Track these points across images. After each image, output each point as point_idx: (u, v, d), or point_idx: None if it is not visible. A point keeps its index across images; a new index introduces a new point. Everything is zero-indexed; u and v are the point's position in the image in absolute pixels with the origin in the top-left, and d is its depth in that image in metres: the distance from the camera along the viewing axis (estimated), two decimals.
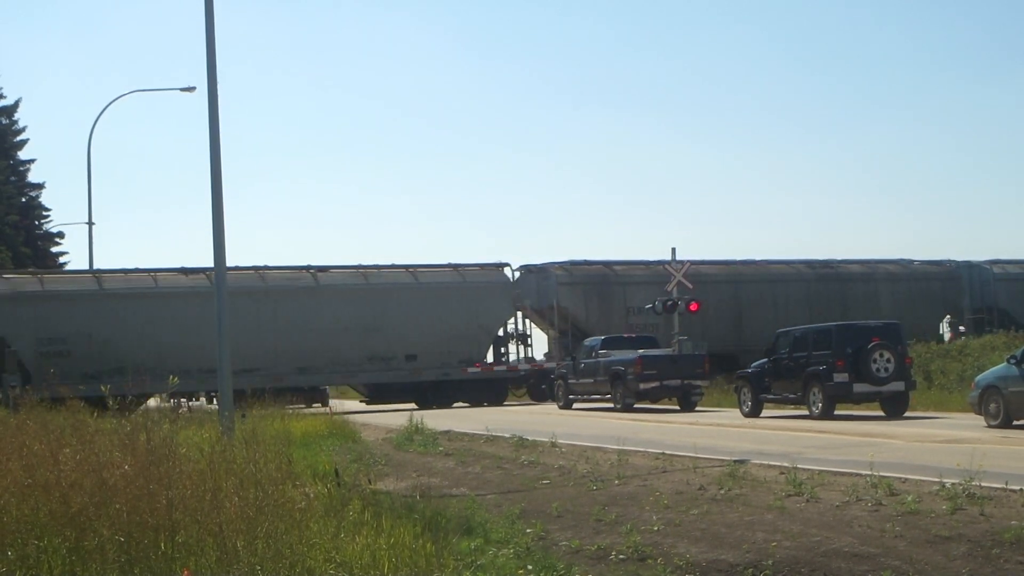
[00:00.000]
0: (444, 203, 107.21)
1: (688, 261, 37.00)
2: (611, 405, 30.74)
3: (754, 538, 9.73)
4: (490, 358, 39.29)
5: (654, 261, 40.77)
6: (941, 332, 45.34)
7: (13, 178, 50.48)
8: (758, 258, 44.30)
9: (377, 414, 33.74)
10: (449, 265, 39.63)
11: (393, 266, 38.92)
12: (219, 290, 18.36)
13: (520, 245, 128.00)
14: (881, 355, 24.56)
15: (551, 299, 40.21)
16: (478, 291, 38.72)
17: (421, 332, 37.58)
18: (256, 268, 37.29)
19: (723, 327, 40.94)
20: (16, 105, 51.55)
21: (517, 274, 40.83)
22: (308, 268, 37.90)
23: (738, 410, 27.40)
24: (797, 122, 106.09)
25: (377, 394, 39.01)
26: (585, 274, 41.21)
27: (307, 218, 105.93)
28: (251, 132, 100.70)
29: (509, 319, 40.24)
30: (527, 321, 41.27)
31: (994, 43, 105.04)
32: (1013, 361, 20.97)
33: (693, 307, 35.07)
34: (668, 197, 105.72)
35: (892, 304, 42.44)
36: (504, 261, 40.10)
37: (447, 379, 37.83)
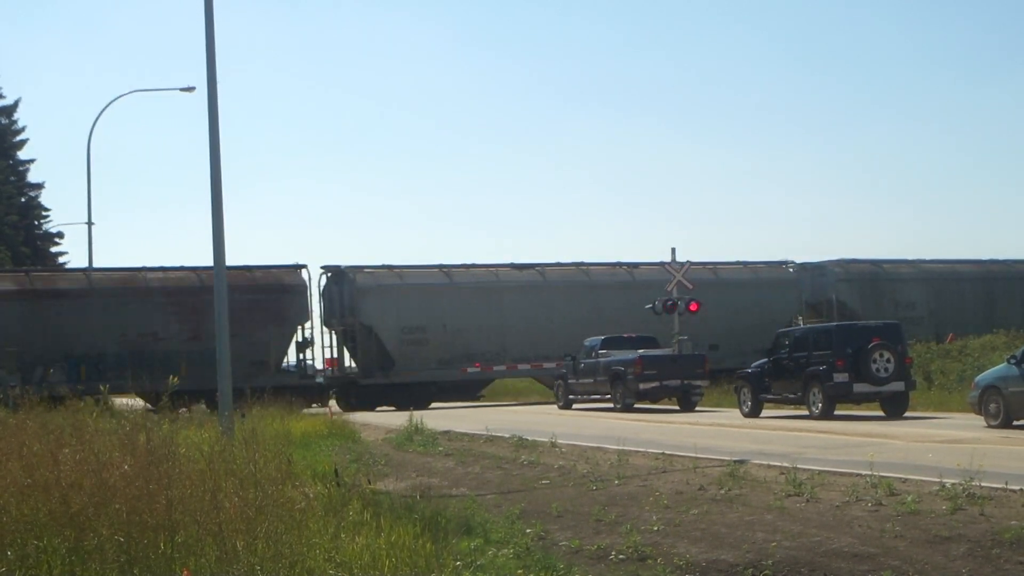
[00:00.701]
0: (444, 203, 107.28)
1: (688, 261, 37.04)
2: (611, 405, 30.74)
3: (754, 538, 9.73)
4: None
5: (926, 260, 44.63)
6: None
7: (13, 178, 50.52)
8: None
9: (377, 414, 33.72)
10: (739, 263, 42.80)
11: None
12: (219, 290, 18.36)
13: (520, 245, 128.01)
14: (881, 355, 24.56)
15: (828, 294, 42.41)
16: (767, 287, 41.76)
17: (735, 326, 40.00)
18: (577, 264, 40.80)
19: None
20: (16, 105, 51.62)
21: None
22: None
23: (738, 410, 27.39)
24: (797, 122, 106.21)
25: None
26: (859, 271, 43.52)
27: (307, 218, 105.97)
28: (251, 132, 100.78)
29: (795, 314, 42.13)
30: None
31: (995, 43, 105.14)
32: (1013, 361, 20.97)
33: (693, 307, 35.09)
34: (668, 197, 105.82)
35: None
36: (787, 259, 43.52)
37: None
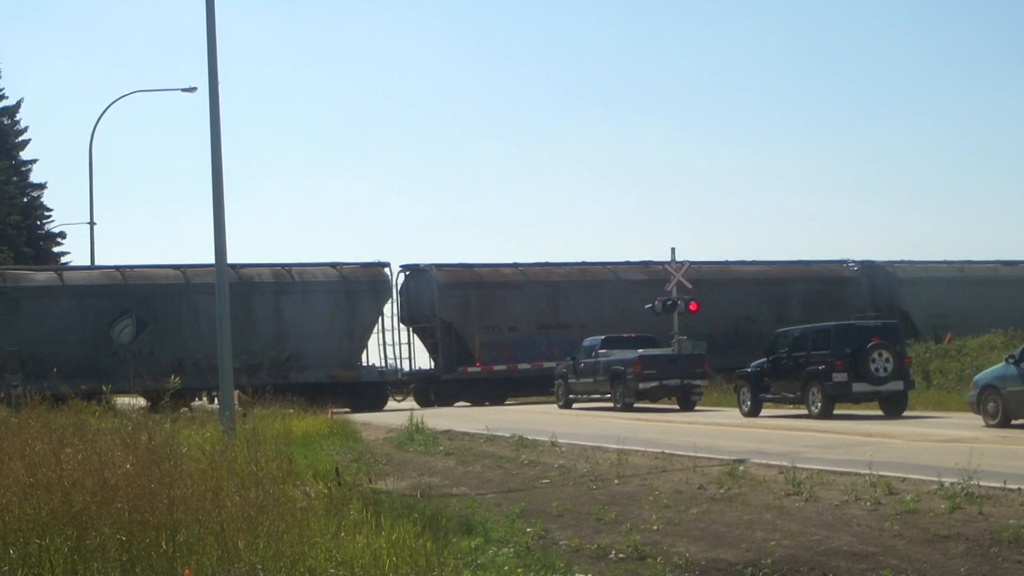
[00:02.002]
0: (443, 201, 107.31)
1: (688, 261, 37.08)
2: (611, 405, 30.76)
3: (753, 537, 9.76)
4: None
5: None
6: None
7: (15, 178, 50.49)
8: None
9: (379, 414, 33.74)
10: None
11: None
12: (220, 290, 18.39)
13: (520, 244, 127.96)
14: (880, 355, 24.58)
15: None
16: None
17: None
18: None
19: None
20: (18, 105, 51.56)
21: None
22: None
23: (737, 410, 27.41)
24: (799, 122, 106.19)
25: None
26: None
27: (307, 217, 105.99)
28: (252, 131, 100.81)
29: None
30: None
31: (997, 43, 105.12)
32: (1012, 361, 20.99)
33: (693, 307, 35.14)
34: (668, 197, 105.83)
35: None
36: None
37: None
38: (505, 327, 38.58)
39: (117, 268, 36.26)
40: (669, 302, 35.04)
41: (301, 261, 38.27)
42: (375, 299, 38.17)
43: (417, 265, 39.77)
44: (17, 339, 33.37)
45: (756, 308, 41.41)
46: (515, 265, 40.53)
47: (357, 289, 37.64)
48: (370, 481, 12.98)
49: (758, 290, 42.03)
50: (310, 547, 7.88)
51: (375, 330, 38.22)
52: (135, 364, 31.26)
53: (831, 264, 44.43)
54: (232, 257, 20.43)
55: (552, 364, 36.53)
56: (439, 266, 39.37)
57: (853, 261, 44.59)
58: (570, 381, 32.92)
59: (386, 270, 38.65)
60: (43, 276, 35.83)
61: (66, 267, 36.11)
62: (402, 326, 39.84)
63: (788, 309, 40.83)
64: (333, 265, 38.07)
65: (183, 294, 35.34)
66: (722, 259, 43.46)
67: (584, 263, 41.64)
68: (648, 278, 39.98)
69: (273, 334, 36.31)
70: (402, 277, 40.02)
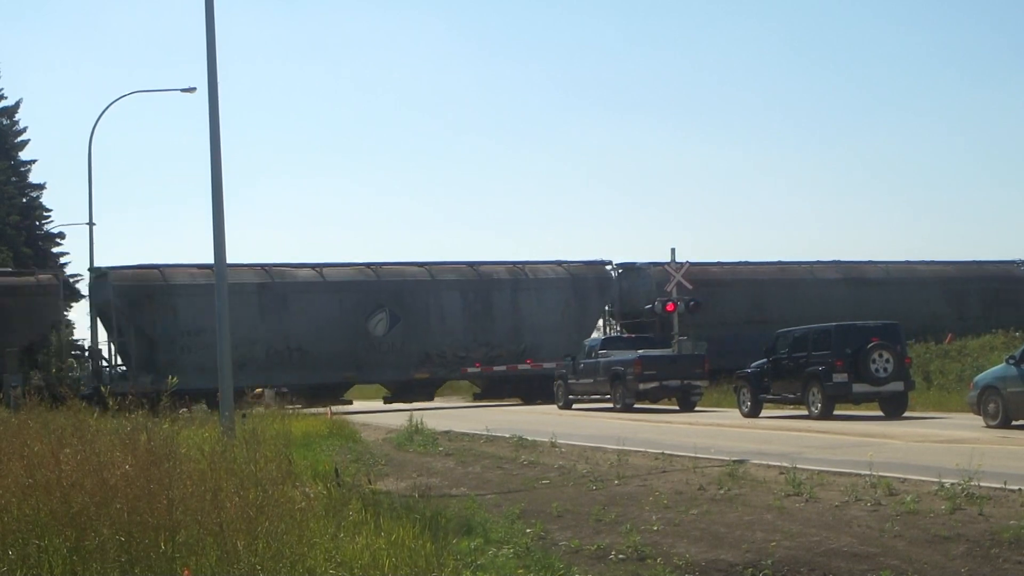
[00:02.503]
0: (443, 201, 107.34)
1: (687, 262, 37.11)
2: (611, 405, 30.76)
3: (753, 538, 9.75)
4: None
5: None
6: None
7: (14, 179, 50.54)
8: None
9: (381, 413, 33.74)
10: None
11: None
12: (220, 290, 18.37)
13: (520, 244, 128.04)
14: (880, 355, 24.57)
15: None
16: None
17: None
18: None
19: None
20: (17, 106, 51.64)
21: None
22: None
23: (737, 410, 27.42)
24: (799, 122, 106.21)
25: None
26: None
27: (307, 217, 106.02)
28: (251, 131, 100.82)
29: None
30: None
31: (998, 44, 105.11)
32: (1012, 361, 20.99)
33: (693, 307, 35.14)
34: (668, 197, 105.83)
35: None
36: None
37: None
38: (717, 322, 39.28)
39: (369, 265, 38.65)
40: (669, 302, 35.04)
41: (531, 260, 40.88)
42: (600, 295, 40.87)
43: (633, 263, 41.69)
44: (286, 332, 36.32)
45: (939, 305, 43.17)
46: (720, 264, 42.43)
47: (584, 286, 40.24)
48: (369, 482, 12.97)
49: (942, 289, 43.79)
50: (309, 548, 7.86)
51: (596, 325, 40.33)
52: (389, 355, 34.61)
53: (1004, 264, 45.88)
54: (231, 257, 20.38)
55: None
56: (656, 264, 40.64)
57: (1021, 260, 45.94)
58: (570, 382, 32.92)
59: (607, 268, 41.21)
60: (304, 273, 37.87)
61: (325, 264, 38.22)
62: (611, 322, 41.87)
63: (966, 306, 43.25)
64: (560, 263, 40.69)
65: (430, 290, 37.86)
66: (905, 259, 45.47)
67: (781, 262, 43.67)
68: (841, 276, 42.64)
69: (511, 327, 38.89)
70: (613, 275, 41.49)
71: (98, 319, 37.06)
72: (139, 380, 33.31)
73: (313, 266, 38.10)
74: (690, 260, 37.89)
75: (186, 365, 33.42)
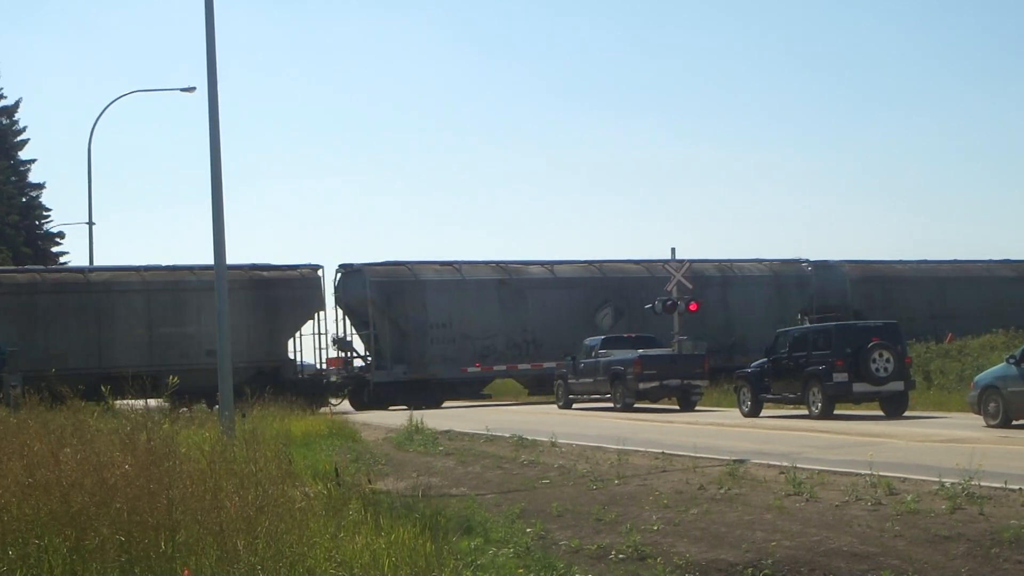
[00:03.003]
0: (443, 201, 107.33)
1: (688, 261, 37.13)
2: (611, 405, 30.75)
3: (754, 537, 9.74)
4: None
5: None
6: None
7: (14, 178, 50.49)
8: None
9: (379, 413, 33.74)
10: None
11: None
12: (220, 290, 18.38)
13: (521, 244, 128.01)
14: (880, 355, 24.56)
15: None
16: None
17: None
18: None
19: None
20: (17, 105, 51.57)
21: None
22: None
23: (738, 410, 27.41)
24: (797, 122, 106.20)
25: None
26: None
27: (307, 217, 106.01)
28: (251, 131, 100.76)
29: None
30: None
31: (997, 44, 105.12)
32: (1012, 361, 20.98)
33: (693, 307, 35.15)
34: (668, 197, 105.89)
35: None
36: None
37: None
38: (905, 317, 39.48)
39: (593, 263, 41.32)
40: (669, 302, 35.05)
41: (736, 257, 43.54)
42: (800, 292, 42.56)
43: (826, 261, 43.48)
44: (523, 324, 38.94)
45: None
46: (902, 262, 44.59)
47: (785, 283, 42.43)
48: (369, 481, 12.96)
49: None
50: (309, 548, 7.86)
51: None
52: None
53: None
54: (231, 258, 20.37)
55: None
56: (850, 262, 43.08)
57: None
58: (570, 381, 32.91)
59: (804, 266, 43.24)
60: (536, 270, 40.49)
61: (555, 262, 41.10)
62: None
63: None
64: (760, 261, 43.13)
65: (649, 286, 38.69)
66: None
67: (958, 261, 45.56)
68: (1017, 275, 44.73)
69: (722, 322, 40.40)
70: (809, 271, 43.02)
71: (342, 312, 39.33)
72: (393, 370, 37.18)
73: (543, 263, 41.07)
74: (689, 259, 38.24)
75: (434, 356, 37.83)
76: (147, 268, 36.58)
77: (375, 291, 37.74)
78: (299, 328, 37.44)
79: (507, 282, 39.50)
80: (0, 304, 33.60)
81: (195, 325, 34.93)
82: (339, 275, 39.21)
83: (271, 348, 36.41)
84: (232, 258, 20.64)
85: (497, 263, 40.35)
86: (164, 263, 37.39)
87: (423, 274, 38.67)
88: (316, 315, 37.43)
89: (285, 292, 37.06)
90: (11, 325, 33.18)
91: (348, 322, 39.19)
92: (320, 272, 37.87)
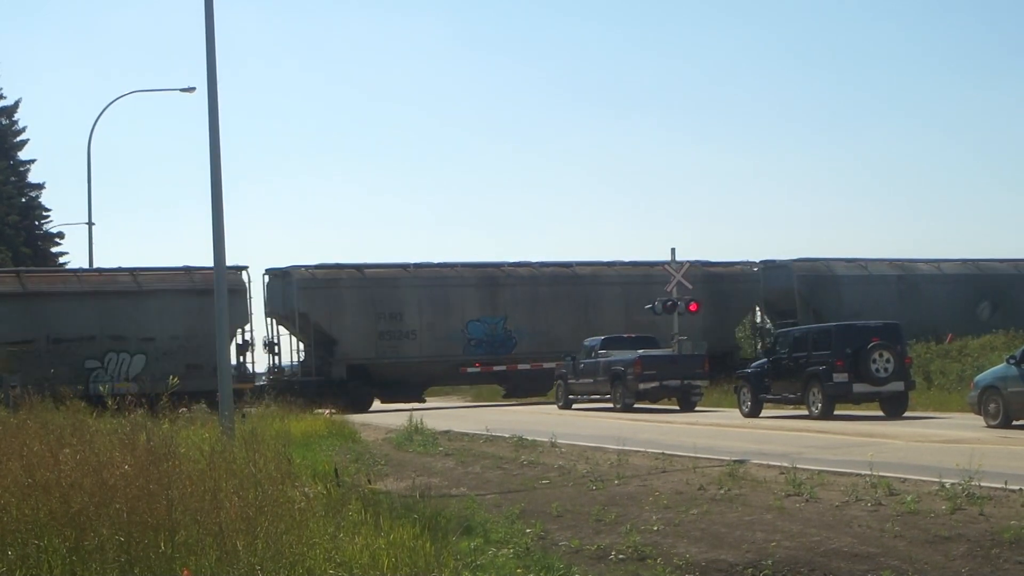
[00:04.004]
0: (443, 202, 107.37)
1: (688, 261, 37.12)
2: (611, 405, 30.74)
3: (754, 538, 9.74)
4: None
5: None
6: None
7: (13, 178, 50.43)
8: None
9: (378, 413, 33.73)
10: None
11: None
12: (219, 290, 18.37)
13: (520, 244, 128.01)
14: (881, 355, 24.56)
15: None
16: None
17: None
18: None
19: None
20: (16, 105, 51.51)
21: None
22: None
23: (738, 410, 27.40)
24: (798, 122, 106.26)
25: None
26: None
27: (307, 217, 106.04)
28: (251, 131, 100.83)
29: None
30: None
31: (997, 43, 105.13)
32: (1012, 361, 20.97)
33: (693, 307, 35.14)
34: (668, 197, 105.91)
35: None
36: None
37: None
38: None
39: (968, 261, 44.46)
40: (669, 302, 35.04)
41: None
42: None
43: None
44: (921, 317, 39.32)
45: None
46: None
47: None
48: (369, 482, 12.94)
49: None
50: (309, 548, 7.85)
51: None
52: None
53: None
54: (230, 259, 20.35)
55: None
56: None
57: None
58: (570, 382, 32.90)
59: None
60: (925, 267, 43.47)
61: (941, 260, 44.26)
62: None
63: None
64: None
65: (1016, 284, 42.91)
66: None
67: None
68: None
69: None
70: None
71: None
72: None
73: (931, 261, 44.23)
74: (390, 262, 37.79)
75: None
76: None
77: (802, 284, 40.89)
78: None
79: (903, 278, 42.49)
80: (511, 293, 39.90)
81: None
82: (764, 271, 42.07)
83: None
84: (232, 259, 20.58)
85: (894, 261, 43.63)
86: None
87: (835, 269, 41.78)
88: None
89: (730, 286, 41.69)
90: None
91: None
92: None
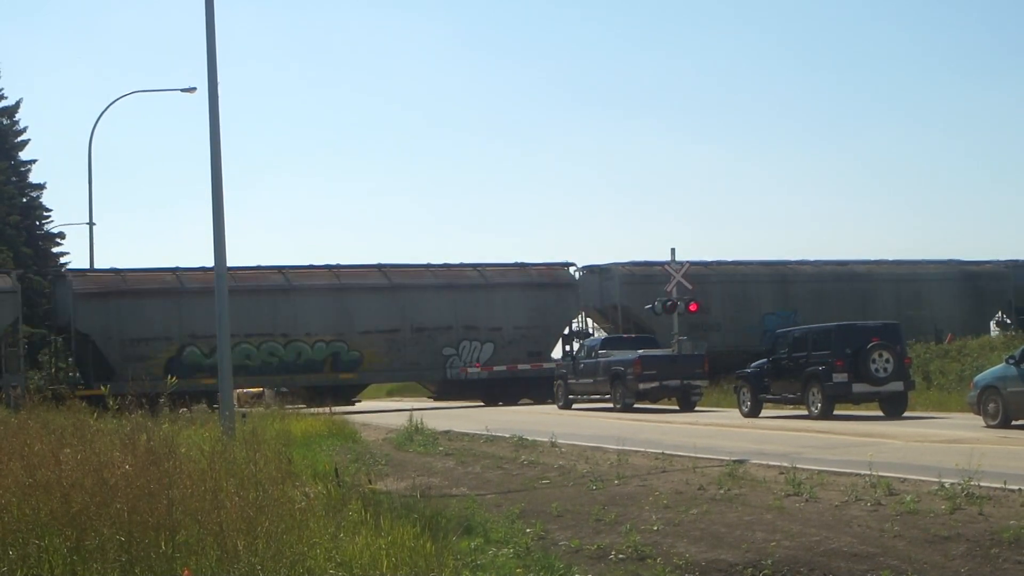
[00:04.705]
0: (444, 202, 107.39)
1: (688, 261, 37.14)
2: (611, 405, 30.75)
3: (753, 538, 9.75)
4: None
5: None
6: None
7: (14, 179, 50.42)
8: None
9: (380, 413, 33.73)
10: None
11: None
12: (219, 290, 18.38)
13: (520, 244, 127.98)
14: (880, 355, 24.57)
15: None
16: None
17: None
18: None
19: None
20: (17, 106, 51.50)
21: None
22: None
23: (737, 410, 27.41)
24: (798, 122, 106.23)
25: None
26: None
27: (307, 218, 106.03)
28: (252, 131, 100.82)
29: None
30: None
31: (997, 43, 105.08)
32: (1012, 361, 20.98)
33: (693, 307, 35.14)
34: (668, 197, 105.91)
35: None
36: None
37: None
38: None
39: None
40: (668, 302, 35.04)
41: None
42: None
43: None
44: None
45: None
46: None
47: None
48: (369, 482, 12.94)
49: None
50: (309, 548, 7.86)
51: None
52: None
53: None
54: (230, 260, 20.39)
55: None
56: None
57: None
58: (570, 382, 32.91)
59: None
60: None
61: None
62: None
63: None
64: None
65: None
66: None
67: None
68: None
69: None
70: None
71: None
72: None
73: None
74: (692, 260, 38.20)
75: None
76: None
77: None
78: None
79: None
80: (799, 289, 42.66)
81: None
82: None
83: None
84: (232, 259, 20.62)
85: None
86: None
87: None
88: None
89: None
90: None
91: None
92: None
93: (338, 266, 39.18)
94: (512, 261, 40.82)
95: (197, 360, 35.38)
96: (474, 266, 40.29)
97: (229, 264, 19.31)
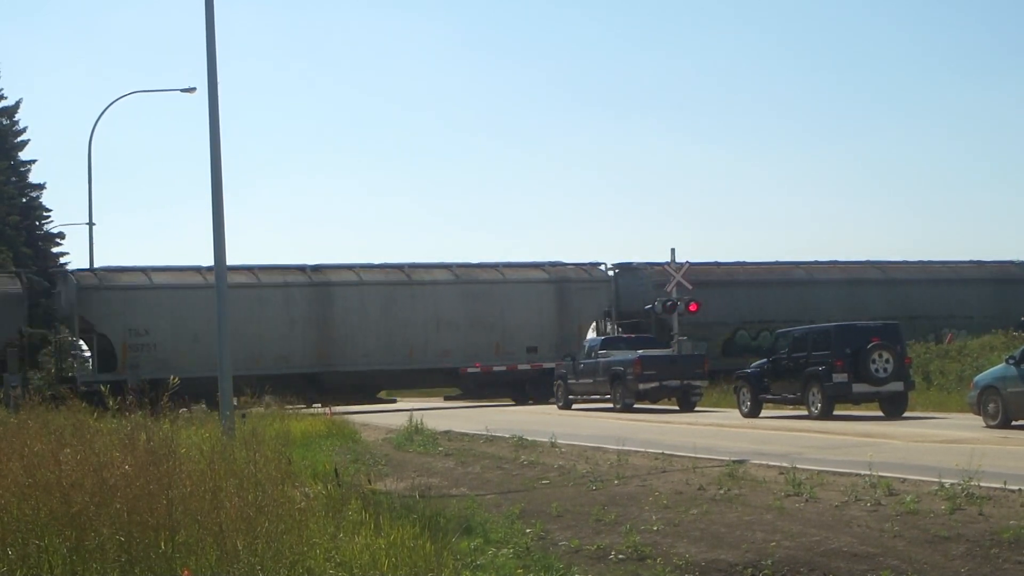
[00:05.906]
0: (444, 201, 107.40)
1: (687, 262, 37.13)
2: (611, 405, 30.75)
3: (753, 538, 9.75)
4: None
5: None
6: None
7: (14, 179, 50.46)
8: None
9: (379, 414, 33.73)
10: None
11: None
12: (220, 290, 18.37)
13: (520, 244, 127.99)
14: (880, 355, 24.56)
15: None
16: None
17: None
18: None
19: None
20: (17, 106, 51.53)
21: None
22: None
23: (737, 410, 27.41)
24: (798, 122, 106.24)
25: None
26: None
27: (307, 218, 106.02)
28: (252, 131, 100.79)
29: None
30: None
31: (997, 43, 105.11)
32: (1012, 361, 20.98)
33: (693, 307, 35.14)
34: (668, 197, 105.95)
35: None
36: None
37: None
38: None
39: None
40: (668, 302, 35.04)
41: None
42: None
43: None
44: None
45: None
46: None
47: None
48: (369, 482, 12.94)
49: None
50: (309, 548, 7.86)
51: None
52: None
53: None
54: (230, 260, 20.37)
55: None
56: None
57: None
58: (570, 382, 32.90)
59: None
60: None
61: None
62: None
63: None
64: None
65: None
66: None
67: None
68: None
69: None
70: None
71: None
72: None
73: None
74: (690, 260, 38.12)
75: None
76: None
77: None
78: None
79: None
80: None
81: None
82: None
83: None
84: (232, 259, 20.61)
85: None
86: None
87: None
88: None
89: None
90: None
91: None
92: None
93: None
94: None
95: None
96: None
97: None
